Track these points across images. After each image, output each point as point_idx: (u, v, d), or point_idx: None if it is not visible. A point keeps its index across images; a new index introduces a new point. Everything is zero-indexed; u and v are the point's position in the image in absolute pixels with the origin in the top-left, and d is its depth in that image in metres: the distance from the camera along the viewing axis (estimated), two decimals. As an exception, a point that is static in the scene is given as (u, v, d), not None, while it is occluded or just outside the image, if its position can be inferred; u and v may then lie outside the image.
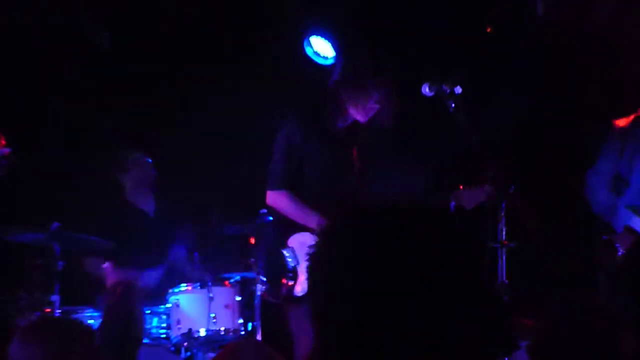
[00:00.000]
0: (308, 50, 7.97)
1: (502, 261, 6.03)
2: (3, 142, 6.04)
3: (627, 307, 5.76)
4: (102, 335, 5.68)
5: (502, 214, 6.03)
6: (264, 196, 6.15)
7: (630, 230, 6.68)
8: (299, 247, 5.69)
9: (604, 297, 6.44)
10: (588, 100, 7.49)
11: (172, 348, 6.95)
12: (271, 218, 6.84)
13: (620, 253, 6.64)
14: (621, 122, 6.88)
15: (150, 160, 7.71)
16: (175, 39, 8.30)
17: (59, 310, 6.98)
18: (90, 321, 7.17)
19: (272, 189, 5.97)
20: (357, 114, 5.97)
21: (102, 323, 6.68)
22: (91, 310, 7.26)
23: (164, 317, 7.13)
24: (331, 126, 5.98)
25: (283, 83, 7.89)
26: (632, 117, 6.89)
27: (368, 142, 6.14)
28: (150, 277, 7.43)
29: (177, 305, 7.07)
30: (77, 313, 7.16)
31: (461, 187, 5.98)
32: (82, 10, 8.15)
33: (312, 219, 5.75)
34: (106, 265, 7.22)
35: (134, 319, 5.73)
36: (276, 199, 5.95)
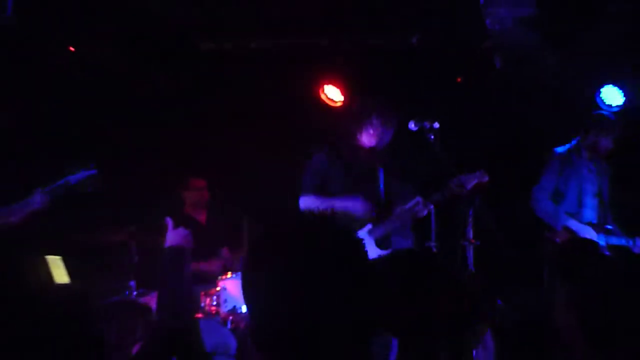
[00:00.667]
0: (323, 96, 8.00)
1: (470, 255, 6.09)
2: (91, 169, 6.05)
3: (563, 288, 5.83)
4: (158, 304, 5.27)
5: (470, 219, 6.10)
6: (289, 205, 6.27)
7: (566, 228, 6.74)
8: None
9: (547, 280, 6.49)
10: (534, 132, 7.52)
11: (221, 320, 6.95)
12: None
13: (558, 247, 6.72)
14: (560, 149, 6.96)
15: (205, 183, 7.79)
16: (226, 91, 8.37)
17: (135, 292, 7.04)
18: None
19: (302, 195, 6.13)
20: (367, 141, 6.08)
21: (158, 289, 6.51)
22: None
23: (215, 297, 7.14)
24: (353, 153, 6.13)
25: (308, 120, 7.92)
26: (568, 145, 6.97)
27: (387, 161, 6.26)
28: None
29: (225, 288, 7.08)
30: (148, 295, 7.16)
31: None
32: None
33: (334, 204, 5.84)
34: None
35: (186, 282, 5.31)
36: (306, 200, 6.09)
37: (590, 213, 6.85)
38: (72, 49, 7.68)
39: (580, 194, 6.85)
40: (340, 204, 5.95)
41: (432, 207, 6.09)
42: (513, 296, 6.09)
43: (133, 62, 8.04)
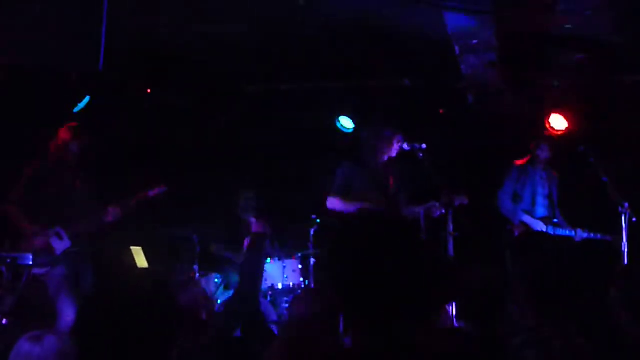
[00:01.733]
0: (338, 124, 8.05)
1: (450, 244, 6.11)
2: (163, 187, 6.10)
3: (519, 268, 5.85)
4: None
5: (450, 217, 6.13)
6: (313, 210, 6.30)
7: (523, 223, 6.77)
8: None
9: (508, 263, 6.50)
10: (500, 149, 7.52)
11: (262, 294, 7.00)
12: (319, 220, 6.99)
13: (516, 237, 6.74)
14: (518, 162, 6.99)
15: (255, 194, 7.76)
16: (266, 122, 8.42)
17: (198, 274, 7.10)
18: (215, 280, 7.30)
19: (330, 196, 6.04)
20: (390, 152, 6.10)
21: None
22: (215, 274, 7.33)
23: (258, 277, 7.18)
24: (374, 165, 6.11)
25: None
26: (524, 159, 7.00)
27: (398, 169, 6.25)
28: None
29: (265, 270, 7.17)
30: (207, 276, 7.23)
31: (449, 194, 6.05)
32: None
33: (355, 207, 5.86)
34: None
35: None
36: (332, 201, 6.03)
37: (542, 210, 6.86)
38: (149, 90, 7.77)
39: (534, 196, 6.86)
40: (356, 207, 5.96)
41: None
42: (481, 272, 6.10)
43: (195, 100, 8.13)
